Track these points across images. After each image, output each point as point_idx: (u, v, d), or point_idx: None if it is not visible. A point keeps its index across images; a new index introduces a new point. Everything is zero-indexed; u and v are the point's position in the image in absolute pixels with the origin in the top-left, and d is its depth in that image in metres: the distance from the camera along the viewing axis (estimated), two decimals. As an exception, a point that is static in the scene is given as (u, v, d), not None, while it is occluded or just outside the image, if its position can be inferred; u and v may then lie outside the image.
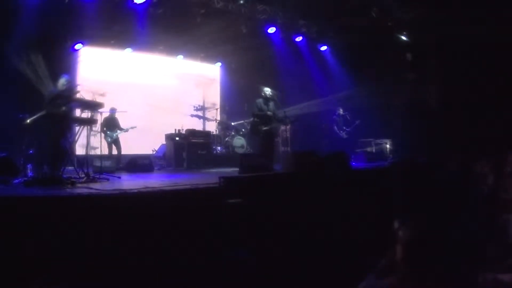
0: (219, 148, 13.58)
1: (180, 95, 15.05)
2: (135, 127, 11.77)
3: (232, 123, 14.05)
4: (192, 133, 12.02)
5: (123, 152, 11.71)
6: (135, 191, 5.27)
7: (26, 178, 6.64)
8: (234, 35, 13.35)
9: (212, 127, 14.71)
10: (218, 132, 14.13)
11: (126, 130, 11.65)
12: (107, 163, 9.38)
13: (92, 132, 8.63)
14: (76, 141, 8.63)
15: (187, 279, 4.51)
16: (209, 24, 12.46)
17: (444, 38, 11.81)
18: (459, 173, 3.10)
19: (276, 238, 5.22)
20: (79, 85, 8.36)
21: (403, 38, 13.91)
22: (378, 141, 13.21)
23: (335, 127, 13.22)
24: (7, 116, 8.61)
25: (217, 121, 14.51)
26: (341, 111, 13.49)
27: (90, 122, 7.89)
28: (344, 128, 13.17)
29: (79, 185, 6.26)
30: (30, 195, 4.89)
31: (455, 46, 11.39)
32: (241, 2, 12.41)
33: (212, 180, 6.18)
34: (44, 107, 7.70)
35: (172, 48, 14.20)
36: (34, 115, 8.00)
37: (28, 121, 8.05)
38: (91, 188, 5.75)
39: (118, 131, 11.56)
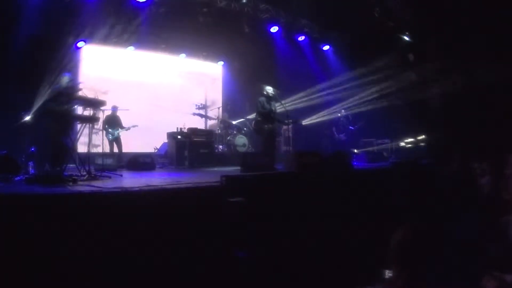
0: (221, 146, 13.58)
1: (182, 94, 15.03)
2: (137, 125, 11.78)
3: (234, 122, 14.05)
4: (194, 131, 12.02)
5: (125, 150, 11.73)
6: (137, 189, 5.27)
7: (27, 176, 6.64)
8: (237, 34, 13.35)
9: (214, 126, 14.71)
10: (220, 130, 14.12)
11: (128, 129, 11.67)
12: (108, 161, 9.39)
13: (93, 130, 8.64)
14: (78, 139, 8.64)
15: (188, 277, 4.52)
16: (211, 23, 12.46)
17: (445, 39, 11.82)
18: (460, 174, 3.10)
19: (277, 237, 5.22)
20: (81, 83, 8.37)
21: (405, 38, 13.90)
22: (380, 141, 13.20)
23: (334, 129, 13.17)
24: (9, 113, 8.62)
25: (219, 120, 14.51)
26: (342, 112, 13.46)
27: (92, 120, 7.89)
28: (344, 129, 13.11)
29: (80, 182, 6.25)
30: (31, 193, 4.90)
31: (456, 46, 11.39)
32: (244, 1, 12.41)
33: (214, 179, 6.17)
34: (46, 104, 7.72)
35: (174, 47, 14.21)
36: (36, 112, 8.01)
37: (29, 118, 8.06)
38: (93, 186, 5.75)
39: (120, 130, 11.58)
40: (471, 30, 10.59)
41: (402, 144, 13.15)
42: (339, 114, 13.49)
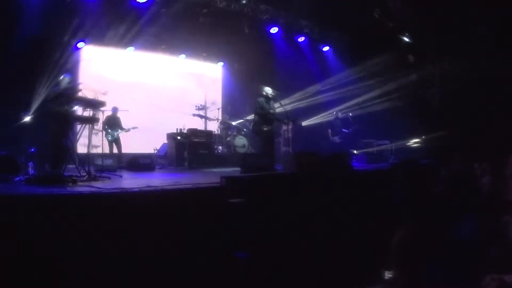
0: (220, 147, 13.58)
1: (182, 95, 15.02)
2: (137, 127, 11.78)
3: (234, 123, 14.04)
4: (193, 132, 12.01)
5: (125, 150, 11.72)
6: (137, 190, 5.26)
7: (27, 176, 6.64)
8: (237, 35, 13.36)
9: (213, 127, 14.71)
10: (220, 131, 14.12)
11: (128, 130, 11.66)
12: (108, 162, 9.38)
13: (93, 131, 8.63)
14: (77, 140, 8.64)
15: (188, 277, 4.51)
16: (211, 23, 12.47)
17: (445, 39, 11.82)
18: (460, 174, 3.10)
19: (277, 237, 5.22)
20: (81, 83, 8.35)
21: (405, 39, 13.91)
22: (380, 142, 13.19)
23: (329, 131, 13.12)
24: (10, 114, 8.62)
25: (219, 121, 14.50)
26: (339, 114, 13.42)
27: (91, 120, 7.89)
28: (340, 131, 13.05)
29: (80, 183, 6.25)
30: (31, 193, 4.89)
31: (456, 47, 11.40)
32: (244, 1, 12.42)
33: (214, 180, 6.17)
34: (46, 105, 7.71)
35: (174, 47, 14.21)
36: (36, 113, 8.00)
37: (29, 119, 8.05)
38: (93, 187, 5.75)
39: (119, 131, 11.57)
40: (471, 30, 10.60)
41: (402, 144, 13.14)
42: (334, 116, 13.46)
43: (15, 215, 4.00)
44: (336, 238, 5.43)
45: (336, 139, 12.94)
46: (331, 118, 13.59)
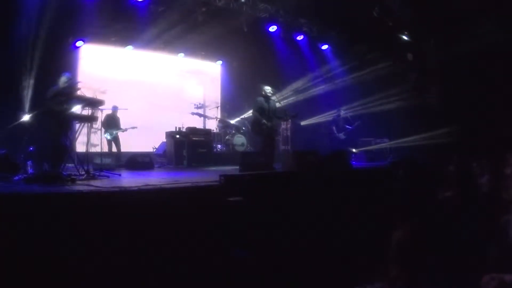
0: (219, 146, 13.56)
1: (181, 93, 15.02)
2: (136, 127, 11.75)
3: (232, 121, 14.02)
4: (192, 131, 12.00)
5: (124, 149, 11.70)
6: (135, 188, 5.26)
7: (26, 175, 6.63)
8: (235, 33, 13.33)
9: (212, 125, 14.70)
10: (219, 130, 14.11)
11: (125, 130, 11.62)
12: (107, 161, 9.39)
13: (92, 130, 8.62)
14: (76, 138, 8.63)
15: (187, 277, 4.51)
16: (210, 22, 12.46)
17: (444, 37, 11.82)
18: (459, 174, 3.09)
19: (276, 237, 5.21)
20: (80, 82, 8.34)
21: (404, 37, 13.89)
22: (379, 140, 13.20)
23: (334, 128, 13.14)
24: (8, 113, 8.60)
25: (218, 119, 14.49)
26: (342, 113, 13.43)
27: (90, 119, 7.88)
28: (346, 127, 13.08)
29: (79, 182, 6.25)
30: (30, 192, 4.88)
31: (456, 46, 11.39)
32: (243, 0, 12.40)
33: (213, 178, 6.17)
34: (45, 104, 7.70)
35: (173, 46, 14.16)
36: (34, 112, 7.99)
37: (28, 118, 8.04)
38: (91, 185, 5.74)
39: (117, 130, 11.51)
40: (471, 29, 10.60)
41: (401, 143, 13.14)
42: (337, 113, 13.46)
43: (14, 214, 4.00)
44: (335, 237, 5.42)
45: (341, 135, 12.98)
46: (334, 115, 13.57)
